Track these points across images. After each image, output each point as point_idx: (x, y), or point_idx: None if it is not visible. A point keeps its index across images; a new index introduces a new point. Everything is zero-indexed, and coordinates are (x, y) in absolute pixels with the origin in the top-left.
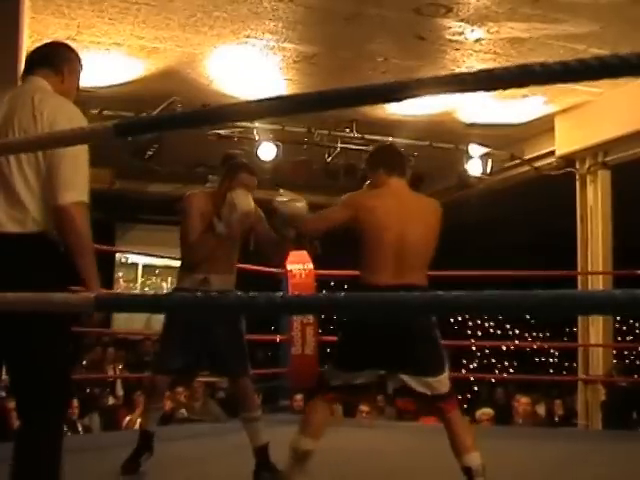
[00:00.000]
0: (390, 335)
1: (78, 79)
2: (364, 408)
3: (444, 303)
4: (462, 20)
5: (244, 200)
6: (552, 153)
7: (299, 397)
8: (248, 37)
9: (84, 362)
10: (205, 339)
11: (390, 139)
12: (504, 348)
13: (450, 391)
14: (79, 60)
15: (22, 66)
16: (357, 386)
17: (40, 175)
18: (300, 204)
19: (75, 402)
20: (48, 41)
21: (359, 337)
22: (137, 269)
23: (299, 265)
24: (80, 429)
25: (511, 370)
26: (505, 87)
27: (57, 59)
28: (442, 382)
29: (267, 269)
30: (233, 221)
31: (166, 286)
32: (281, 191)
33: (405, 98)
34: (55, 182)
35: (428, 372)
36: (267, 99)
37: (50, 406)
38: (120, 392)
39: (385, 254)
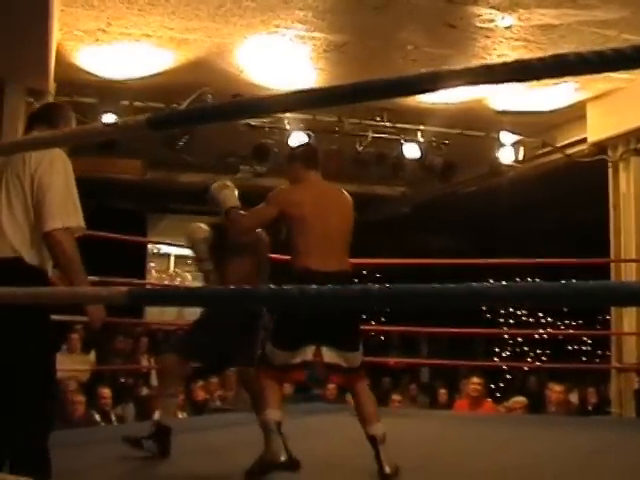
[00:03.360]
0: (320, 314)
1: None
2: (396, 397)
3: (479, 294)
4: (492, 7)
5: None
6: (584, 140)
7: (332, 386)
8: (278, 27)
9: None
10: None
11: (421, 127)
12: (537, 336)
13: (361, 365)
14: (74, 117)
15: (53, 59)
16: (295, 365)
17: (27, 207)
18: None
19: (108, 392)
20: (49, 102)
21: (292, 318)
22: (169, 259)
23: None
24: (114, 419)
25: (544, 358)
26: (538, 78)
27: (55, 118)
28: (357, 357)
29: None
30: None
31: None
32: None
33: (438, 89)
34: (42, 212)
35: (350, 347)
36: (301, 91)
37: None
38: (154, 382)
39: (313, 242)
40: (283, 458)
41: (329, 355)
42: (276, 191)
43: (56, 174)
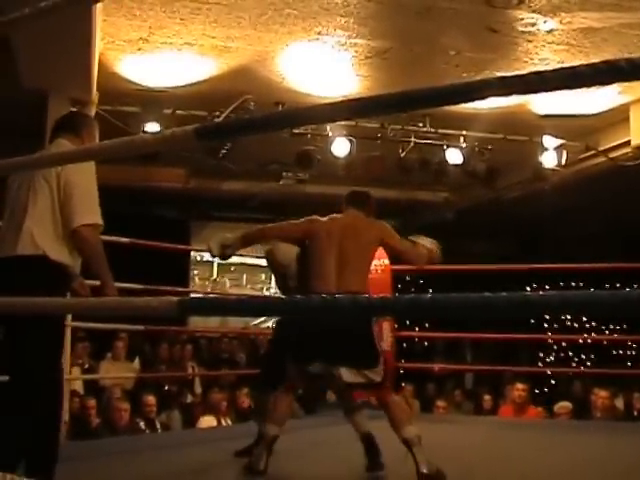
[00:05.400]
0: (335, 333)
1: (95, 139)
2: (441, 403)
3: (531, 304)
4: (534, 11)
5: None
6: (627, 143)
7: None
8: (319, 34)
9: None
10: None
11: (464, 133)
12: (581, 341)
13: (383, 380)
14: (96, 125)
15: (96, 69)
16: (311, 375)
17: (53, 205)
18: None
19: (152, 399)
20: (73, 110)
21: (309, 334)
22: (212, 267)
23: (376, 260)
24: (158, 426)
25: (588, 363)
26: (590, 85)
27: (78, 125)
28: (377, 373)
29: None
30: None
31: (229, 283)
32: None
33: (487, 97)
34: (69, 209)
35: (366, 365)
36: (348, 100)
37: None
38: (198, 390)
39: (327, 264)
40: (262, 468)
41: (347, 375)
42: (307, 217)
43: (82, 174)
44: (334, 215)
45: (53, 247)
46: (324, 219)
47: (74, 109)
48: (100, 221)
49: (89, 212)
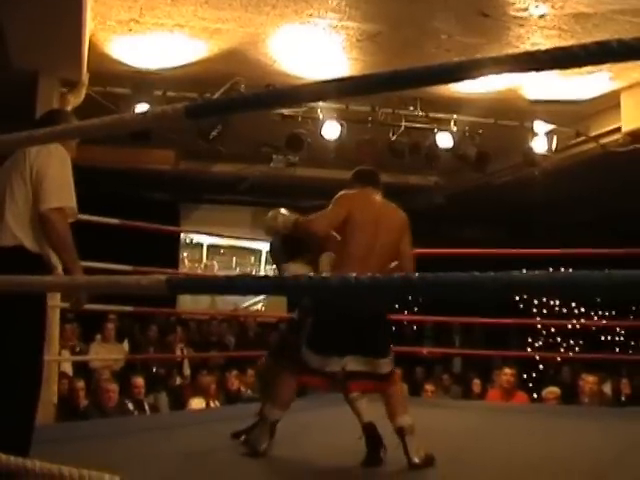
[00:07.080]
0: (359, 321)
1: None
2: (429, 387)
3: (521, 283)
4: None
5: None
6: (618, 130)
7: None
8: (311, 16)
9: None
10: None
11: (454, 117)
12: (570, 327)
13: (392, 370)
14: (75, 120)
15: (86, 50)
16: (327, 373)
17: (27, 196)
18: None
19: (141, 381)
20: (53, 108)
21: (332, 323)
22: (202, 249)
23: None
24: (147, 408)
25: (577, 349)
26: (580, 65)
27: (57, 122)
28: (387, 363)
29: None
30: None
31: (218, 266)
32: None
33: (479, 76)
34: (38, 195)
35: (383, 354)
36: (339, 79)
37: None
38: (187, 372)
39: (360, 248)
40: (262, 448)
41: (353, 363)
42: (341, 194)
43: (53, 164)
44: (365, 194)
45: (30, 238)
46: (354, 193)
47: (63, 90)
48: (70, 204)
49: (57, 196)
